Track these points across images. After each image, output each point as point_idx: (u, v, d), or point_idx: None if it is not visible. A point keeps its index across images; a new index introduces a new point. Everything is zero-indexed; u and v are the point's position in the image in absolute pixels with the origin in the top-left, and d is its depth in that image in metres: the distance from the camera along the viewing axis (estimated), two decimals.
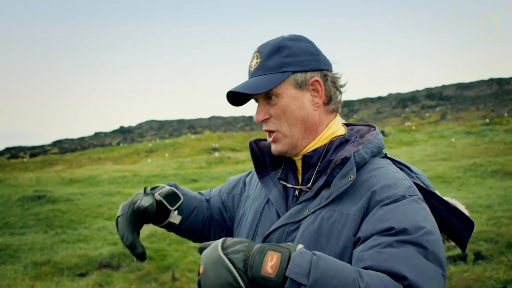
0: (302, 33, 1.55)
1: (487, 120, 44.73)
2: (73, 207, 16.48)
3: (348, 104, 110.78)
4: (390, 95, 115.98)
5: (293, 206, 1.47)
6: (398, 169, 1.48)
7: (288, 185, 1.57)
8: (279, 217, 1.50)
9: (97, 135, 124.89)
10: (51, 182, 27.12)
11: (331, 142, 1.52)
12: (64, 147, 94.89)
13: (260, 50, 1.52)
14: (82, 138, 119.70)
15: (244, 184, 1.84)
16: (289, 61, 1.47)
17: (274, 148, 1.53)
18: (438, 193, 1.47)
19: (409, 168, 1.54)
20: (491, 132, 35.11)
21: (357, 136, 1.55)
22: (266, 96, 1.49)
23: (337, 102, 1.57)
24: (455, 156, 24.43)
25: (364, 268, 1.20)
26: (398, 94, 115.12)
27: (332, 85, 1.52)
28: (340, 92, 1.57)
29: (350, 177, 1.35)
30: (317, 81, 1.49)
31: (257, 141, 1.68)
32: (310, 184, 1.48)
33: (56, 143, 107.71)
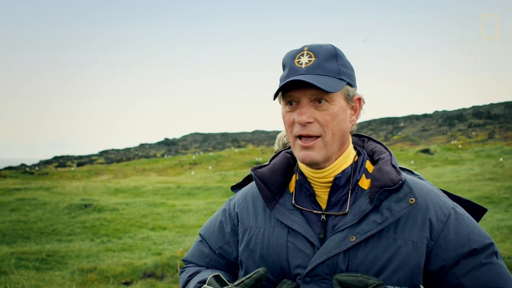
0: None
1: None
2: (118, 216, 16.76)
3: (393, 121, 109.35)
4: (436, 112, 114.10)
5: (334, 233, 1.39)
6: (414, 176, 1.53)
7: (315, 211, 1.47)
8: (313, 246, 1.41)
9: (142, 146, 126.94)
10: (97, 191, 27.64)
11: (355, 162, 1.50)
12: (110, 157, 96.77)
13: (313, 50, 1.42)
14: (128, 149, 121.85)
15: (232, 219, 1.66)
16: (344, 71, 1.43)
17: (308, 156, 1.40)
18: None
19: (412, 173, 1.58)
20: None
21: (362, 149, 1.57)
22: (315, 99, 1.39)
23: (355, 126, 1.54)
24: (503, 176, 23.76)
25: None
26: (445, 112, 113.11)
27: (362, 107, 1.51)
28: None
29: (412, 201, 1.34)
30: (359, 99, 1.48)
31: (255, 170, 1.57)
32: (348, 209, 1.42)
33: (102, 153, 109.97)
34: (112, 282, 8.07)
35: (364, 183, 1.46)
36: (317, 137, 1.40)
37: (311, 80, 1.34)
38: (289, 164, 1.61)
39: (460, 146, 49.09)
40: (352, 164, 1.48)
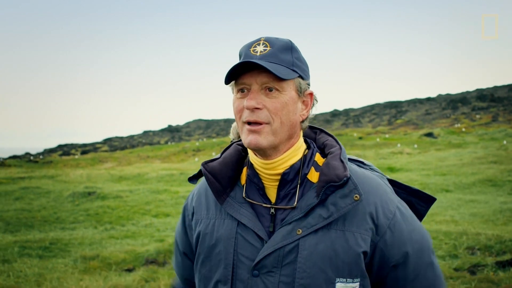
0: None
1: None
2: (121, 203, 16.82)
3: (396, 105, 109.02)
4: (439, 96, 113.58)
5: (281, 226, 1.41)
6: (364, 170, 1.56)
7: (264, 205, 1.48)
8: (261, 240, 1.43)
9: (146, 133, 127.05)
10: (101, 179, 27.71)
11: (304, 155, 1.51)
12: (114, 145, 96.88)
13: (269, 40, 1.44)
14: (132, 137, 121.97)
15: (189, 214, 1.70)
16: (298, 64, 1.46)
17: (254, 140, 1.41)
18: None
19: (363, 163, 1.63)
20: None
21: (312, 142, 1.58)
22: (266, 87, 1.41)
23: (307, 122, 1.54)
24: (506, 159, 23.73)
25: None
26: (448, 95, 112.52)
27: (314, 104, 1.53)
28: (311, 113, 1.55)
29: (356, 197, 1.37)
30: (311, 94, 1.50)
31: (205, 165, 1.57)
32: (296, 203, 1.43)
33: (106, 141, 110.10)
34: (114, 269, 8.11)
35: (313, 176, 1.47)
36: (266, 124, 1.42)
37: (264, 64, 1.36)
38: (241, 156, 1.61)
39: (463, 129, 48.92)
40: (301, 158, 1.49)
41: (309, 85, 1.51)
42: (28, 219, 13.99)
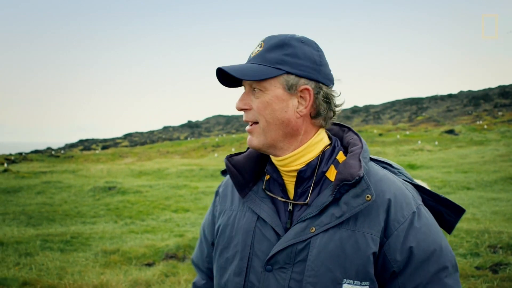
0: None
1: None
2: (141, 198, 16.94)
3: (417, 101, 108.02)
4: (461, 92, 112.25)
5: (296, 223, 1.41)
6: (387, 171, 1.50)
7: (281, 199, 1.49)
8: (277, 235, 1.44)
9: (165, 129, 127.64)
10: (121, 174, 27.94)
11: (323, 153, 1.48)
12: (134, 140, 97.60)
13: (266, 40, 1.46)
14: (152, 132, 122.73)
15: (218, 204, 1.73)
16: (288, 60, 1.41)
17: (249, 140, 1.48)
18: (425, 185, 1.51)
19: (391, 166, 1.57)
20: None
21: (337, 140, 1.54)
22: (252, 87, 1.44)
23: (326, 118, 1.49)
24: None
25: None
26: (470, 91, 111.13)
27: (323, 100, 1.45)
28: (333, 112, 1.50)
29: (368, 197, 1.33)
30: (307, 89, 1.43)
31: (230, 158, 1.59)
32: (308, 199, 1.43)
33: (126, 136, 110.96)
34: (134, 263, 8.16)
35: (332, 174, 1.45)
36: (256, 123, 1.46)
37: (227, 68, 1.40)
38: None
39: (485, 126, 48.33)
40: (319, 155, 1.47)
41: (311, 79, 1.43)
42: (49, 213, 14.15)
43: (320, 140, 1.49)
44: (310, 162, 1.46)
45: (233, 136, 65.58)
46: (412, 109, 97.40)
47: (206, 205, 15.66)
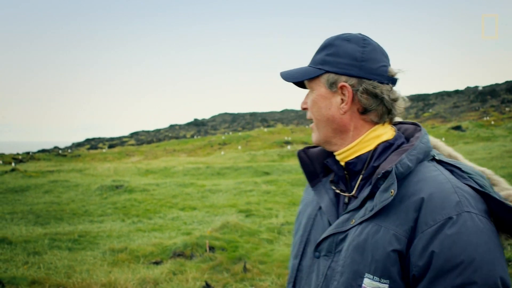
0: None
1: None
2: (148, 197, 16.97)
3: (424, 97, 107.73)
4: (468, 88, 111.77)
5: (342, 214, 1.45)
6: (448, 173, 1.37)
7: (337, 190, 1.55)
8: (330, 224, 1.50)
9: (172, 127, 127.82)
10: (128, 172, 28.02)
11: (376, 147, 1.47)
12: (141, 138, 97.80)
13: (322, 43, 1.56)
14: (158, 130, 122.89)
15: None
16: (329, 60, 1.48)
17: (312, 137, 1.59)
18: (496, 194, 1.34)
19: (459, 169, 1.41)
20: None
21: (400, 138, 1.49)
22: (308, 88, 1.57)
23: (380, 114, 1.47)
24: None
25: None
26: (477, 87, 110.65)
27: (368, 95, 1.43)
28: (387, 107, 1.46)
29: (391, 192, 1.29)
30: (344, 86, 1.44)
31: (306, 150, 1.69)
32: (355, 192, 1.47)
33: (133, 135, 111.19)
34: (142, 261, 8.18)
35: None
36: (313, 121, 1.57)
37: (282, 72, 1.58)
38: None
39: (492, 122, 48.17)
40: (371, 150, 1.47)
41: (351, 76, 1.44)
42: (57, 212, 14.21)
43: (376, 136, 1.48)
44: (360, 155, 1.48)
45: (240, 134, 65.56)
46: (418, 105, 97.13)
47: (212, 203, 15.68)
